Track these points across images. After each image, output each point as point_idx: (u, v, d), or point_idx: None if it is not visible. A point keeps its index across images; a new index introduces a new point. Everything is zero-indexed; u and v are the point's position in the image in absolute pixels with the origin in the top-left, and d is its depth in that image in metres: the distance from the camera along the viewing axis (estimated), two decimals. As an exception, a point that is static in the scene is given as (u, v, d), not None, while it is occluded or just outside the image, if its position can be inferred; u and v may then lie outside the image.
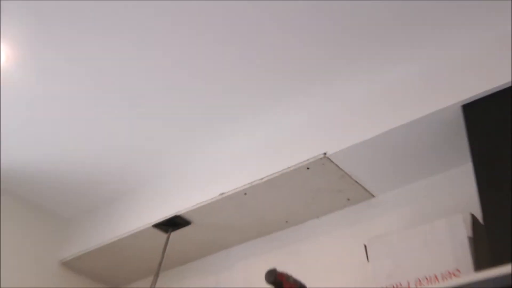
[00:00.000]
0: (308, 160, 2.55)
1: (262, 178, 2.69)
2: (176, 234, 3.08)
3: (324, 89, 2.61)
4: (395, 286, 2.17)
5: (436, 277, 2.09)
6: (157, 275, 3.01)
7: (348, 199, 2.78)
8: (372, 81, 2.54)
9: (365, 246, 2.35)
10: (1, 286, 3.09)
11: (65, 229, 3.55)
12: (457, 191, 2.50)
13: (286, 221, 2.97)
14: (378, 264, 2.28)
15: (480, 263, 2.06)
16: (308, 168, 2.58)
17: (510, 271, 1.75)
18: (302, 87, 2.60)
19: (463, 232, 2.13)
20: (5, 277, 3.13)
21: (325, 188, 2.71)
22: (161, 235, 3.09)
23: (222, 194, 2.81)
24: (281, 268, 2.60)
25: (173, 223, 3.03)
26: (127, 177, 3.23)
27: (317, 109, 2.70)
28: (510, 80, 2.13)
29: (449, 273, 2.07)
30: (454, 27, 2.27)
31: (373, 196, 2.75)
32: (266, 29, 2.31)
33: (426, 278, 2.11)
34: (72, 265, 3.43)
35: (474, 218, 2.18)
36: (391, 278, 2.20)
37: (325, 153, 2.51)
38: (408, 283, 2.14)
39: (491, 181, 2.10)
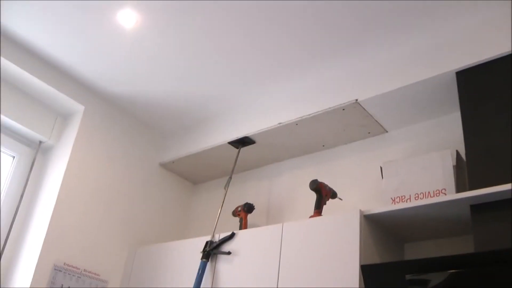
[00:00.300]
0: (344, 103, 2.68)
1: (310, 114, 2.80)
2: (244, 150, 3.21)
3: (357, 53, 2.68)
4: (400, 197, 2.33)
5: (429, 193, 2.25)
6: (231, 176, 3.16)
7: (369, 132, 2.89)
8: (390, 49, 2.62)
9: (381, 168, 2.51)
10: (118, 180, 3.31)
11: (164, 141, 3.66)
12: (447, 132, 2.60)
13: (323, 145, 3.08)
14: (389, 181, 2.42)
15: (459, 186, 2.24)
16: (343, 109, 2.71)
17: (481, 193, 1.97)
18: (342, 50, 2.67)
19: (450, 162, 2.27)
20: (119, 174, 3.31)
21: (353, 123, 2.82)
22: (233, 150, 3.22)
23: (280, 123, 2.92)
24: (316, 178, 2.81)
25: (243, 142, 3.14)
26: (212, 105, 3.27)
27: (351, 67, 2.77)
28: (495, 54, 2.22)
29: (439, 191, 2.22)
30: (456, 6, 2.32)
31: (387, 131, 2.86)
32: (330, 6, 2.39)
33: (423, 193, 2.27)
34: (168, 167, 3.59)
35: (458, 153, 2.33)
36: (397, 191, 2.35)
37: (356, 99, 2.64)
38: (410, 196, 2.30)
39: (473, 127, 2.19)
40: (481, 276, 1.80)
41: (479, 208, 2.02)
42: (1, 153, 3.07)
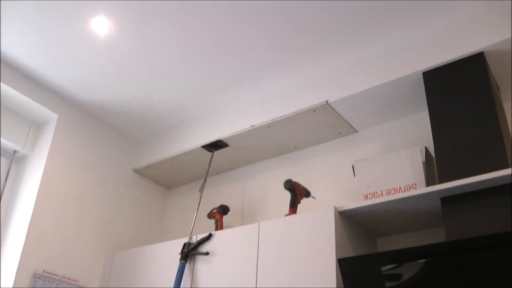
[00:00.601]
0: (314, 105, 2.73)
1: (281, 116, 2.85)
2: (217, 153, 3.24)
3: (326, 55, 2.73)
4: (372, 193, 2.40)
5: (400, 189, 2.32)
6: (205, 180, 3.20)
7: (339, 133, 2.96)
8: (359, 51, 2.68)
9: (353, 166, 2.56)
10: (93, 187, 3.29)
11: (138, 146, 3.67)
12: (416, 130, 2.68)
13: (295, 146, 3.13)
14: (361, 178, 2.48)
15: (429, 181, 2.33)
16: (314, 111, 2.76)
17: (450, 186, 2.05)
18: (312, 52, 2.71)
19: (419, 158, 2.34)
20: (93, 181, 3.30)
21: (324, 124, 2.88)
22: (206, 153, 3.25)
23: (252, 126, 2.96)
24: (292, 179, 2.85)
25: (216, 145, 3.16)
26: (184, 110, 3.28)
27: (321, 69, 2.82)
28: (459, 54, 2.32)
29: (409, 186, 2.30)
30: (422, 9, 2.39)
31: (356, 131, 2.93)
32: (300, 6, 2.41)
33: (394, 189, 2.34)
34: (142, 172, 3.59)
35: (427, 150, 2.42)
36: (369, 188, 2.42)
37: (327, 101, 2.70)
38: (382, 192, 2.37)
39: (440, 124, 2.28)
40: (453, 264, 1.88)
41: (449, 200, 2.11)
42: (-26, 163, 3.03)
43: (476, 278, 1.84)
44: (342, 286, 2.14)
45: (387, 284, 2.00)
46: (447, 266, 1.90)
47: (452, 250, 1.90)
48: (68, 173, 3.16)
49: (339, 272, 2.16)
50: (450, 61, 2.35)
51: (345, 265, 2.12)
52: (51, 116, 3.20)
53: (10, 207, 3.07)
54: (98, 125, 3.45)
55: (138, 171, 3.59)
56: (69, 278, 2.99)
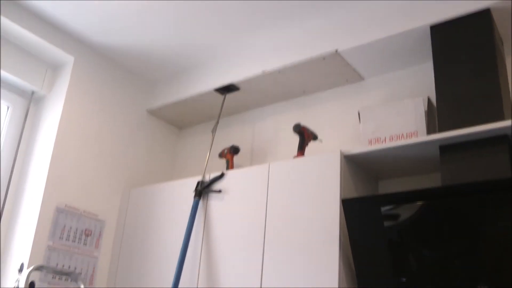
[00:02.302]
0: (324, 53, 2.87)
1: (292, 63, 2.98)
2: (229, 96, 3.40)
3: (338, 4, 2.84)
4: (376, 139, 2.56)
5: (403, 135, 2.49)
6: (217, 121, 3.38)
7: (347, 80, 3.09)
8: (370, 2, 2.79)
9: (359, 112, 2.71)
10: (109, 127, 3.50)
11: (152, 88, 3.82)
12: (420, 80, 2.82)
13: (304, 91, 3.28)
14: (366, 125, 2.63)
15: (430, 129, 2.50)
16: (324, 59, 2.90)
17: (449, 135, 2.23)
18: (324, 1, 2.82)
19: (422, 108, 2.50)
20: (109, 121, 3.48)
21: (332, 71, 3.01)
22: (218, 96, 3.41)
23: (263, 71, 3.10)
24: (298, 122, 3.02)
25: (228, 89, 3.31)
26: (198, 54, 3.39)
27: (332, 18, 2.93)
28: (466, 10, 2.42)
29: (411, 133, 2.47)
30: None
31: (363, 79, 3.07)
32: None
33: (397, 135, 2.51)
34: (155, 113, 3.76)
35: (429, 100, 2.57)
36: (374, 134, 2.58)
37: (336, 50, 2.83)
38: (385, 138, 2.54)
39: (443, 76, 2.42)
40: (447, 206, 2.09)
41: (447, 148, 2.29)
42: (-4, 102, 3.22)
43: (468, 220, 2.04)
44: (345, 224, 2.35)
45: (386, 223, 2.22)
46: (442, 209, 2.10)
47: (447, 194, 2.10)
48: (85, 113, 3.34)
49: (342, 211, 2.38)
50: (457, 16, 2.45)
51: (348, 205, 2.33)
52: (68, 59, 3.34)
53: (30, 145, 3.28)
54: (114, 68, 3.59)
55: (151, 112, 3.76)
56: (89, 212, 3.24)
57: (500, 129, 2.13)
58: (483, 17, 2.40)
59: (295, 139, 2.93)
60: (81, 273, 3.08)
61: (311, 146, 2.95)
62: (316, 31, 2.99)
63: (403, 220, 2.19)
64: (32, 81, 3.30)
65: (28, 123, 3.33)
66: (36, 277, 2.84)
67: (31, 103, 3.37)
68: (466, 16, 2.44)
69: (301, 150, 2.82)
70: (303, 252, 2.43)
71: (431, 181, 2.57)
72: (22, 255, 2.92)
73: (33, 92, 3.36)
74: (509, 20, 2.45)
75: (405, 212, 2.19)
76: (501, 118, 2.18)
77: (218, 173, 2.95)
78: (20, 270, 2.86)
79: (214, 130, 3.34)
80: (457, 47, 2.44)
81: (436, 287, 2.10)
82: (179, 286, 2.76)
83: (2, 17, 2.98)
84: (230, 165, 3.23)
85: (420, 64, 2.86)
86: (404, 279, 2.18)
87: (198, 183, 3.00)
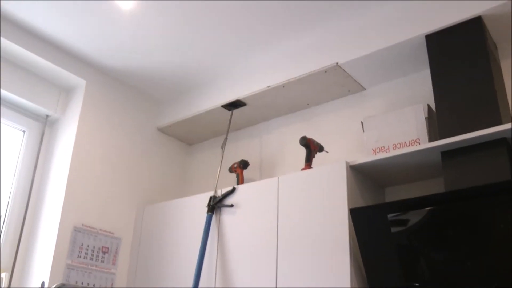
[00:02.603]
0: (326, 66, 2.96)
1: (295, 77, 3.08)
2: (236, 111, 3.51)
3: (336, 19, 2.94)
4: (380, 147, 2.65)
5: (405, 143, 2.57)
6: (226, 137, 3.49)
7: (349, 91, 3.19)
8: (366, 15, 2.88)
9: (362, 122, 2.81)
10: (122, 146, 3.61)
11: (161, 107, 3.94)
12: (419, 88, 2.91)
13: (308, 104, 3.38)
14: (370, 134, 2.72)
15: (431, 136, 2.57)
16: (325, 72, 2.99)
17: (450, 141, 2.31)
18: (323, 15, 2.92)
19: (422, 115, 2.57)
20: (122, 140, 3.60)
21: (334, 83, 3.11)
22: (225, 112, 3.52)
23: (268, 86, 3.20)
24: (302, 134, 3.11)
25: (235, 104, 3.43)
26: (204, 72, 3.51)
27: (331, 32, 3.03)
28: (460, 18, 2.52)
29: (413, 141, 2.54)
30: None
31: (364, 89, 3.16)
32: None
33: (400, 143, 2.59)
34: (165, 130, 3.87)
35: (429, 107, 2.65)
36: (378, 143, 2.66)
37: (337, 62, 2.92)
38: (388, 146, 2.62)
39: (441, 83, 2.51)
40: (451, 210, 2.17)
41: (448, 154, 2.38)
42: (12, 128, 3.33)
43: (473, 222, 2.12)
44: (354, 232, 2.44)
45: (393, 229, 2.30)
46: (447, 213, 2.18)
47: (451, 199, 2.17)
48: (98, 134, 3.46)
49: (350, 220, 2.46)
50: (451, 25, 2.55)
51: (356, 214, 2.41)
52: (80, 82, 3.47)
53: (46, 168, 3.40)
54: (124, 89, 3.72)
55: (162, 130, 3.88)
56: (105, 230, 3.34)
57: (498, 133, 2.22)
58: (475, 24, 2.50)
59: (302, 149, 3.03)
60: (99, 290, 3.19)
61: (317, 156, 3.04)
62: (316, 45, 3.09)
63: (410, 226, 2.27)
64: (46, 105, 3.44)
65: (43, 145, 3.45)
66: (57, 295, 2.94)
67: (46, 126, 3.50)
68: (458, 24, 2.54)
69: (308, 162, 2.91)
70: (315, 261, 2.52)
71: (435, 186, 2.65)
72: (42, 274, 3.03)
73: (47, 116, 3.49)
74: (501, 24, 2.54)
75: (411, 218, 2.27)
76: (498, 122, 2.26)
77: (229, 188, 3.05)
78: (41, 288, 2.97)
79: (223, 146, 3.44)
80: (452, 55, 2.53)
81: (446, 290, 2.17)
82: (196, 298, 2.86)
83: (14, 44, 3.12)
84: (240, 179, 3.32)
85: (419, 71, 2.95)
86: (416, 284, 2.26)
87: (210, 198, 3.10)
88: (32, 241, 3.20)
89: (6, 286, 3.05)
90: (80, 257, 3.16)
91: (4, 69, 3.21)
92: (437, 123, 2.48)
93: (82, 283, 3.13)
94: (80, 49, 3.36)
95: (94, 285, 3.18)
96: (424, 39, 2.66)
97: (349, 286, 2.35)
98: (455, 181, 2.30)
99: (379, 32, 2.83)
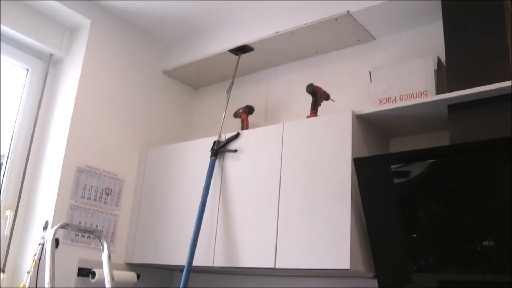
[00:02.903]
0: (336, 14, 2.93)
1: (305, 23, 3.05)
2: (243, 56, 3.48)
3: None
4: (387, 98, 2.64)
5: (412, 95, 2.57)
6: (232, 82, 3.47)
7: (359, 40, 3.16)
8: None
9: (370, 72, 2.80)
10: (126, 88, 3.62)
11: (167, 49, 3.89)
12: (430, 40, 2.88)
13: (316, 51, 3.35)
14: (377, 84, 2.72)
15: (439, 89, 2.56)
16: (336, 19, 2.96)
17: (457, 94, 2.30)
18: None
19: (432, 67, 2.56)
20: (126, 82, 3.58)
21: (344, 31, 3.08)
22: (232, 57, 3.49)
23: (277, 32, 3.17)
24: (310, 82, 3.10)
25: (242, 49, 3.39)
26: (212, 15, 3.45)
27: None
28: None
29: (421, 93, 2.54)
30: None
31: (375, 39, 3.13)
32: None
33: (407, 95, 2.59)
34: (170, 74, 3.86)
35: (439, 59, 2.63)
36: (385, 93, 2.66)
37: (348, 11, 2.89)
38: (395, 97, 2.62)
39: (453, 36, 2.48)
40: (456, 164, 2.18)
41: (455, 107, 2.37)
42: (15, 66, 3.33)
43: (476, 177, 2.15)
44: (356, 181, 2.47)
45: (395, 180, 2.33)
46: (450, 166, 2.20)
47: (455, 152, 2.19)
48: (103, 75, 3.44)
49: (354, 169, 2.48)
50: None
51: (359, 164, 2.43)
52: (84, 22, 3.42)
53: (50, 108, 3.40)
54: (129, 30, 3.67)
55: (167, 73, 3.86)
56: (108, 172, 3.38)
57: (506, 88, 2.20)
58: (491, -23, 2.44)
59: (308, 97, 3.01)
60: (102, 231, 3.24)
61: (323, 105, 3.02)
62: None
63: (413, 177, 2.29)
64: (50, 43, 3.40)
65: (47, 85, 3.44)
66: (59, 234, 2.99)
67: (50, 66, 3.47)
68: (476, -23, 2.48)
69: (314, 110, 2.91)
70: (316, 208, 2.55)
71: (440, 139, 2.65)
72: (46, 214, 3.08)
73: (51, 55, 3.46)
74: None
75: (415, 170, 2.29)
76: (508, 77, 2.24)
77: (233, 133, 3.06)
78: (45, 227, 3.02)
79: (229, 91, 3.43)
80: (466, 8, 2.48)
81: (444, 243, 2.21)
82: (198, 241, 2.92)
83: (18, -19, 3.07)
84: (245, 125, 3.33)
85: (431, 24, 2.90)
86: (414, 235, 2.30)
87: (214, 142, 3.11)
88: (36, 181, 3.24)
89: (11, 224, 3.10)
90: (84, 197, 3.21)
91: (8, 6, 3.17)
92: (446, 76, 2.46)
93: (86, 224, 3.19)
94: (85, -13, 3.30)
95: (97, 226, 3.24)
96: (438, -11, 2.61)
97: (349, 235, 2.39)
98: (461, 135, 2.31)
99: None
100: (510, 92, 2.22)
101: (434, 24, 2.88)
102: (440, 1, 2.61)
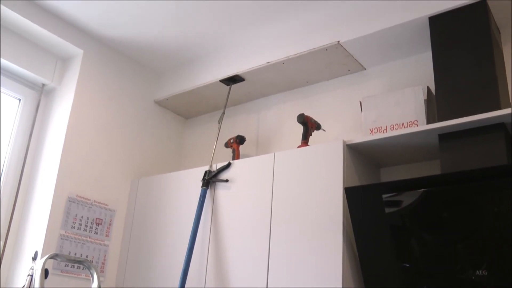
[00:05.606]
0: (327, 44, 2.96)
1: (296, 54, 3.08)
2: (234, 86, 3.50)
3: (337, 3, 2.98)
4: (378, 128, 2.66)
5: (403, 124, 2.58)
6: (224, 112, 3.48)
7: (349, 70, 3.19)
8: None
9: (360, 102, 2.81)
10: (118, 118, 3.61)
11: (159, 79, 3.93)
12: (420, 69, 2.91)
13: (307, 81, 3.38)
14: (368, 114, 2.73)
15: (429, 118, 2.59)
16: (326, 50, 2.99)
17: (448, 124, 2.32)
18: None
19: (421, 97, 2.58)
20: (118, 112, 3.59)
21: (334, 62, 3.11)
22: (223, 87, 3.51)
23: (268, 62, 3.20)
24: (300, 111, 3.11)
25: (233, 79, 3.42)
26: (203, 45, 3.49)
27: (334, 10, 3.01)
28: (463, 1, 2.50)
29: (411, 122, 2.55)
30: None
31: (365, 69, 3.16)
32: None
33: (397, 124, 2.60)
34: (162, 103, 3.87)
35: (429, 89, 2.66)
36: (376, 122, 2.68)
37: (338, 41, 2.92)
38: (386, 127, 2.63)
39: (442, 66, 2.51)
40: (447, 193, 2.19)
41: (445, 137, 2.39)
42: (8, 96, 3.33)
43: (467, 206, 2.15)
44: (348, 211, 2.46)
45: (387, 209, 2.33)
46: (442, 195, 2.20)
47: (446, 181, 2.20)
48: (94, 105, 3.45)
49: (345, 198, 2.48)
50: (455, 7, 2.54)
51: (350, 193, 2.43)
52: (77, 52, 3.45)
53: (41, 137, 3.40)
54: (121, 60, 3.70)
55: (159, 103, 3.88)
56: (99, 202, 3.37)
57: (496, 118, 2.23)
58: (480, 7, 2.49)
59: (299, 127, 3.04)
60: (92, 261, 3.21)
61: (314, 135, 3.05)
62: (318, 23, 3.08)
63: (404, 207, 2.29)
64: (43, 73, 3.42)
65: (39, 115, 3.45)
66: (49, 265, 2.97)
67: (42, 96, 3.49)
68: (463, 7, 2.53)
69: (305, 139, 2.93)
70: (308, 238, 2.54)
71: (431, 168, 2.67)
72: (36, 244, 3.06)
73: (43, 85, 3.48)
74: (505, 9, 2.54)
75: (406, 199, 2.29)
76: (497, 106, 2.27)
77: (225, 163, 3.06)
78: (34, 258, 2.99)
79: (220, 121, 3.44)
80: (455, 38, 2.53)
81: (437, 272, 2.20)
82: (189, 272, 2.89)
83: (13, 12, 3.09)
84: (236, 155, 3.34)
85: (420, 54, 2.94)
86: (407, 265, 2.29)
87: (205, 172, 3.11)
88: (26, 211, 3.22)
89: (0, 255, 3.07)
90: (74, 227, 3.18)
91: (1, 36, 3.19)
92: (436, 106, 2.49)
93: (76, 254, 3.16)
94: (77, 17, 3.33)
95: (87, 256, 3.21)
96: (427, 21, 2.66)
97: (341, 265, 2.39)
98: (452, 164, 2.32)
99: (382, 12, 2.82)
100: (500, 121, 2.24)
101: (423, 54, 2.92)
102: (429, 31, 2.65)
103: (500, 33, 2.65)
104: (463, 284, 2.12)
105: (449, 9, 2.56)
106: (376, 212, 2.36)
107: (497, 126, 2.27)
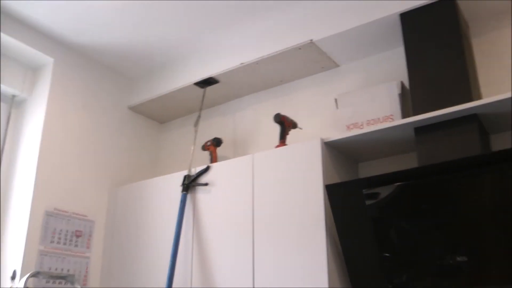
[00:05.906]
0: (300, 43, 2.99)
1: (269, 54, 3.11)
2: (209, 89, 3.51)
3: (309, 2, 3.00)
4: (354, 124, 2.71)
5: (379, 119, 2.63)
6: (199, 115, 3.51)
7: (323, 67, 3.23)
8: None
9: (335, 99, 2.87)
10: (92, 126, 3.56)
11: (132, 85, 3.91)
12: (393, 65, 2.96)
13: (281, 80, 3.41)
14: (343, 111, 2.78)
15: (404, 112, 2.64)
16: (299, 48, 3.02)
17: (423, 117, 2.36)
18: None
19: (396, 92, 2.65)
20: (92, 120, 3.57)
21: (308, 60, 3.14)
22: (198, 90, 3.52)
23: (242, 63, 3.21)
24: (276, 111, 3.13)
25: (207, 82, 3.43)
26: (176, 48, 3.49)
27: (306, 9, 3.05)
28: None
29: (387, 117, 2.61)
30: None
31: (339, 66, 3.20)
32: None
33: (373, 120, 2.65)
34: (136, 109, 3.86)
35: (403, 84, 2.72)
36: (352, 119, 2.73)
37: (311, 39, 2.95)
38: (362, 123, 2.68)
39: (415, 60, 2.56)
40: (424, 185, 2.25)
41: (421, 130, 2.44)
42: (-23, 109, 3.28)
43: (444, 196, 2.21)
44: (329, 207, 2.50)
45: (367, 203, 2.37)
46: (419, 187, 2.26)
47: (423, 173, 2.25)
48: (68, 114, 3.42)
49: (326, 196, 2.52)
50: (425, 4, 2.60)
51: (331, 190, 2.47)
52: (47, 60, 3.41)
53: (14, 150, 3.34)
54: (93, 67, 3.67)
55: (133, 108, 3.86)
56: (78, 213, 3.33)
57: (469, 109, 2.29)
58: (448, 4, 2.55)
59: (276, 127, 3.06)
60: (74, 275, 3.17)
61: (291, 133, 3.07)
62: (290, 22, 3.11)
63: (384, 200, 2.34)
64: (12, 84, 3.36)
65: (10, 127, 3.39)
66: (29, 283, 2.87)
67: (12, 107, 3.44)
68: (432, 3, 2.58)
69: (282, 139, 2.95)
70: (291, 237, 2.57)
71: (408, 160, 2.72)
72: (14, 262, 2.99)
73: (13, 96, 3.43)
74: (472, 3, 2.60)
75: (385, 192, 2.34)
76: (469, 98, 2.33)
77: (203, 167, 3.07)
78: (13, 277, 2.93)
79: (196, 124, 3.45)
80: (426, 33, 2.58)
81: (417, 260, 2.26)
82: (174, 278, 2.89)
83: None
84: (213, 157, 3.35)
85: (393, 49, 2.99)
86: (388, 255, 2.34)
87: (184, 177, 3.11)
88: (2, 228, 3.14)
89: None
90: (53, 242, 3.15)
91: (-33, 47, 3.14)
92: (411, 100, 2.54)
93: (56, 269, 3.12)
94: (46, 25, 3.29)
95: (68, 270, 3.18)
96: (398, 17, 2.70)
97: (326, 261, 2.42)
98: (428, 156, 2.38)
99: (354, 10, 2.85)
100: (473, 113, 2.30)
101: (396, 49, 2.97)
102: (400, 27, 2.70)
103: (468, 26, 2.71)
104: (443, 269, 2.18)
105: (419, 6, 2.61)
106: (357, 207, 2.40)
107: (470, 118, 2.33)
